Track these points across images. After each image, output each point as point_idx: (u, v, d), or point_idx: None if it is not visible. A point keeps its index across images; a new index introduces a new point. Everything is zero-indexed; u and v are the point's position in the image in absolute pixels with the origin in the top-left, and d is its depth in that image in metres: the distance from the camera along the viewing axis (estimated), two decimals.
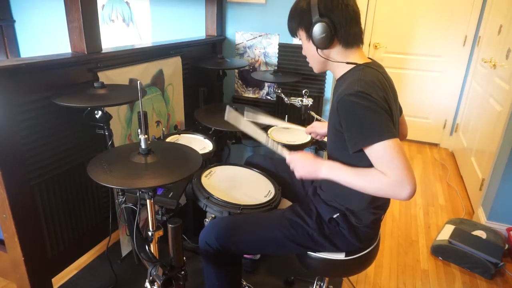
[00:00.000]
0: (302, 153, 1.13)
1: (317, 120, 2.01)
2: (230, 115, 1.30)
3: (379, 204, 1.14)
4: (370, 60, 1.11)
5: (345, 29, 1.04)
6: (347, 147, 1.00)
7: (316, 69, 1.19)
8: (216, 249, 1.19)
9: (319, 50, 1.09)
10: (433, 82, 3.50)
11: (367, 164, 1.00)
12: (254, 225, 1.22)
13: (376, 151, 0.94)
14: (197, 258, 1.79)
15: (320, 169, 1.07)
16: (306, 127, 1.59)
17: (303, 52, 1.18)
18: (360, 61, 1.09)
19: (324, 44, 1.06)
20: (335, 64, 1.11)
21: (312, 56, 1.14)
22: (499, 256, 1.88)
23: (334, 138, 1.11)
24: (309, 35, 1.07)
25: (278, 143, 1.21)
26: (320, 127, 1.52)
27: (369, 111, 0.95)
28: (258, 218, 1.26)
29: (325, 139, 1.98)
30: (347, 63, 1.09)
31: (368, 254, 1.20)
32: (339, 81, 1.12)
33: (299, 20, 1.10)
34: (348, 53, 1.09)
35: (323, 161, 1.09)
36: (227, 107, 1.32)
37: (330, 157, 1.20)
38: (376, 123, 0.95)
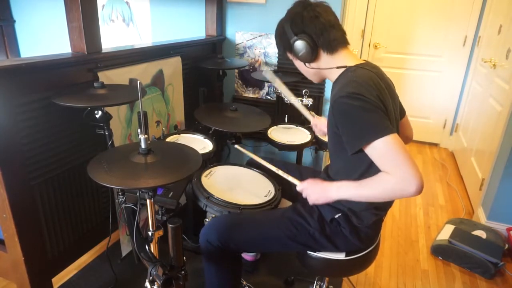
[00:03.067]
0: (311, 180, 1.16)
1: None
2: (269, 75, 1.45)
3: (380, 205, 1.14)
4: (363, 61, 1.12)
5: (323, 37, 1.08)
6: (346, 149, 1.00)
7: (314, 80, 1.24)
8: (217, 247, 1.19)
9: (307, 64, 1.15)
10: (433, 82, 3.50)
11: (368, 165, 1.00)
12: (256, 223, 1.23)
13: (376, 149, 0.94)
14: (197, 258, 1.79)
15: (330, 193, 1.09)
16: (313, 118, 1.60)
17: (298, 69, 1.24)
18: (351, 62, 1.10)
19: (309, 57, 1.12)
20: (328, 70, 1.14)
21: (305, 71, 1.21)
22: (499, 256, 1.88)
23: (333, 140, 1.12)
24: (294, 54, 1.14)
25: (289, 174, 1.29)
26: (324, 124, 1.51)
27: (364, 111, 0.95)
28: (260, 216, 1.27)
29: (325, 138, 1.99)
30: (338, 67, 1.11)
31: (368, 254, 1.21)
32: (334, 85, 1.14)
33: (282, 44, 1.18)
34: (335, 58, 1.12)
35: (330, 184, 1.11)
36: (265, 70, 1.42)
37: (332, 160, 1.21)
38: (372, 122, 0.95)
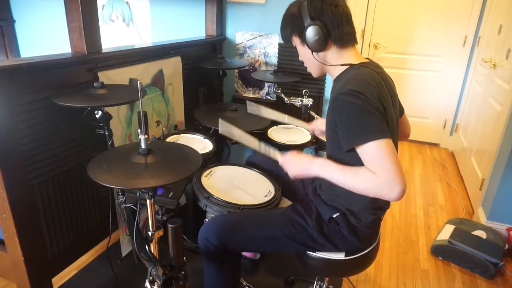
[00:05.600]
0: (293, 153, 1.13)
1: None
2: (224, 128, 1.31)
3: (379, 205, 1.14)
4: (367, 60, 1.12)
5: (338, 29, 1.06)
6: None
7: (314, 73, 1.20)
8: (216, 246, 1.19)
9: (314, 53, 1.10)
10: (433, 82, 3.50)
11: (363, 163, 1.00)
12: (255, 222, 1.23)
13: (367, 150, 0.95)
14: (197, 258, 1.78)
15: (311, 167, 1.07)
16: (308, 123, 1.60)
17: (300, 58, 1.19)
18: (356, 61, 1.09)
19: (319, 46, 1.07)
20: (332, 66, 1.12)
21: (309, 60, 1.15)
22: (499, 256, 1.88)
23: (331, 137, 1.12)
24: (303, 39, 1.09)
25: (270, 146, 1.21)
26: (322, 124, 1.51)
27: (362, 110, 0.95)
28: (259, 216, 1.27)
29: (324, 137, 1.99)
30: (342, 65, 1.09)
31: (368, 254, 1.20)
32: (335, 81, 1.13)
33: (291, 26, 1.12)
34: (343, 53, 1.10)
35: (314, 159, 1.09)
36: (220, 121, 1.32)
37: (329, 157, 1.20)
38: (368, 123, 0.95)
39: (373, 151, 0.94)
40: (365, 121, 0.95)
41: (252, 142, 1.25)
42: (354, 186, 0.99)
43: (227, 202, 1.31)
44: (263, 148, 1.23)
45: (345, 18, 1.06)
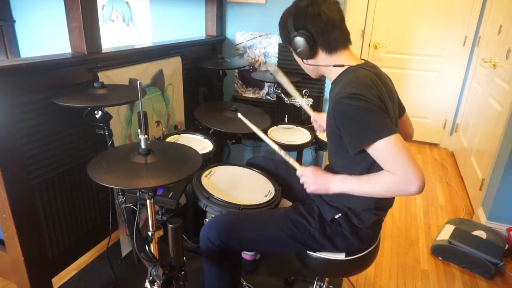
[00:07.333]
0: (313, 168, 1.14)
1: None
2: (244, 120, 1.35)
3: (381, 205, 1.14)
4: (363, 61, 1.12)
5: (323, 37, 1.07)
6: (347, 149, 1.01)
7: (312, 75, 1.23)
8: (217, 245, 1.19)
9: (304, 60, 1.14)
10: (433, 82, 3.50)
11: (369, 164, 1.00)
12: (256, 222, 1.23)
13: (378, 149, 0.95)
14: (197, 258, 1.79)
15: (331, 184, 1.09)
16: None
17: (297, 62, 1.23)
18: (351, 62, 1.10)
19: (306, 55, 1.11)
20: (326, 68, 1.13)
21: (303, 66, 1.20)
22: (499, 256, 1.88)
23: (333, 141, 1.12)
24: (293, 49, 1.13)
25: (290, 157, 1.23)
26: (323, 120, 1.50)
27: (365, 111, 0.95)
28: (261, 215, 1.27)
29: (324, 135, 1.98)
30: (335, 65, 1.10)
31: (368, 254, 1.21)
32: (333, 84, 1.14)
33: (283, 36, 1.17)
34: (334, 58, 1.11)
35: (333, 176, 1.10)
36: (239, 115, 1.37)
37: (331, 160, 1.21)
38: (374, 122, 0.95)
39: (384, 149, 0.94)
40: (371, 121, 0.95)
41: (273, 145, 1.28)
42: (376, 192, 1.00)
43: (227, 202, 1.31)
44: (283, 152, 1.25)
45: (331, 26, 1.07)
